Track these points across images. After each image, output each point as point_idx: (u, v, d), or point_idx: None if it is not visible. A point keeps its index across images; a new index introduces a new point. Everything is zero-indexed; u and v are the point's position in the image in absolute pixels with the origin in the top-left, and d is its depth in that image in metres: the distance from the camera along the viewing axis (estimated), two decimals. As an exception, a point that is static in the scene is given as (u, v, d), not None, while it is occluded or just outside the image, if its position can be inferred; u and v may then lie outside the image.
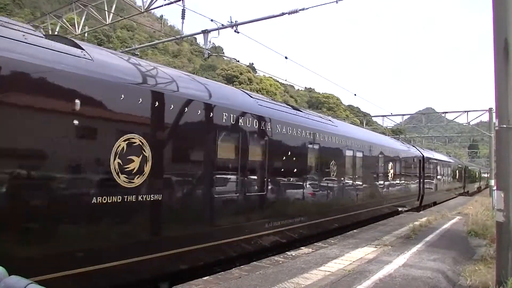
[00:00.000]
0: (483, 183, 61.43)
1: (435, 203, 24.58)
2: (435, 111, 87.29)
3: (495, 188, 6.55)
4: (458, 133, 59.65)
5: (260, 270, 6.53)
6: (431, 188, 24.25)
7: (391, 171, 16.56)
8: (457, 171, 36.06)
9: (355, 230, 11.66)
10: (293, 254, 8.01)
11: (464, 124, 32.74)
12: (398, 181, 17.68)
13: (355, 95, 26.01)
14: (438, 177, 26.59)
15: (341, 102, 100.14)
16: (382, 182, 15.62)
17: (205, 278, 6.04)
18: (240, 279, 5.94)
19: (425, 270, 6.85)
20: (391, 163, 16.49)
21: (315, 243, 9.44)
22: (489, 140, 29.78)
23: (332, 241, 9.69)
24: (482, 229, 11.27)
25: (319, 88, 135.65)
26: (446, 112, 31.52)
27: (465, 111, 28.59)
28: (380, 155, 15.29)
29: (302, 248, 8.85)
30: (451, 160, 34.41)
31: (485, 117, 29.41)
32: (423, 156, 22.37)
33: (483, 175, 63.26)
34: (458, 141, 65.70)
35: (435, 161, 25.83)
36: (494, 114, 9.60)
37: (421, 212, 19.05)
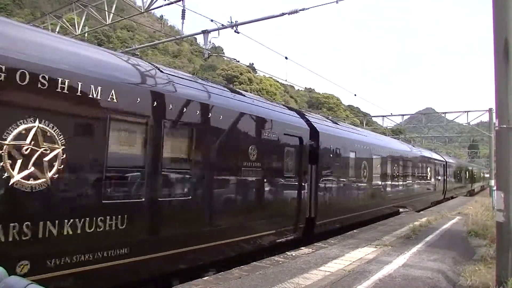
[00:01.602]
0: (478, 185, 53.96)
1: (365, 224, 13.00)
2: (435, 111, 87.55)
3: (495, 188, 6.56)
4: (458, 133, 59.66)
5: (260, 270, 6.53)
6: (343, 201, 12.38)
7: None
8: (429, 169, 23.98)
9: (355, 230, 11.66)
10: (293, 254, 8.01)
11: (464, 124, 32.77)
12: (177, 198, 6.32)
13: (355, 95, 26.26)
14: (375, 178, 14.98)
15: (341, 102, 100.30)
16: None
17: (205, 278, 6.04)
18: (240, 279, 5.94)
19: (425, 270, 6.85)
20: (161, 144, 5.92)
21: (315, 243, 9.44)
22: (489, 140, 29.77)
23: (332, 241, 9.70)
24: (482, 229, 11.26)
25: (319, 88, 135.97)
26: (446, 112, 31.60)
27: (465, 111, 28.62)
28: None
29: (302, 248, 8.85)
30: (404, 148, 20.69)
31: (485, 117, 29.43)
32: (316, 131, 10.69)
33: (481, 175, 58.43)
34: (458, 141, 65.71)
35: (354, 144, 13.32)
36: (494, 114, 9.62)
37: (421, 212, 18.98)
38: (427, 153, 25.47)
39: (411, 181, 20.23)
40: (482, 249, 9.05)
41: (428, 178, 24.00)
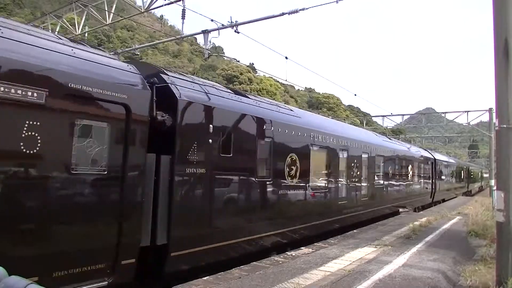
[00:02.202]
0: (477, 185, 54.05)
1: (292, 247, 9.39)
2: (435, 111, 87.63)
3: (495, 188, 6.57)
4: (458, 133, 59.61)
5: (260, 270, 6.54)
6: (237, 216, 7.82)
7: None
8: (410, 167, 19.91)
9: (355, 230, 11.66)
10: (293, 254, 8.02)
11: (464, 124, 32.63)
12: None
13: (355, 95, 26.24)
14: (317, 179, 10.84)
15: (341, 102, 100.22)
16: None
17: (205, 278, 6.04)
18: (240, 279, 5.94)
19: (425, 270, 6.85)
20: None
21: (315, 243, 9.44)
22: (489, 140, 29.75)
23: (332, 241, 9.70)
24: (482, 229, 11.27)
25: (319, 88, 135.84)
26: (446, 112, 31.54)
27: (465, 111, 28.54)
28: None
29: (302, 248, 8.86)
30: (374, 141, 15.93)
31: (485, 117, 29.30)
32: (173, 99, 6.40)
33: (479, 174, 58.92)
34: (458, 141, 65.76)
35: (271, 128, 8.70)
36: (494, 114, 9.64)
37: (421, 212, 18.98)
38: (406, 148, 21.07)
39: (381, 183, 15.70)
40: (482, 249, 9.04)
41: (409, 178, 19.62)
